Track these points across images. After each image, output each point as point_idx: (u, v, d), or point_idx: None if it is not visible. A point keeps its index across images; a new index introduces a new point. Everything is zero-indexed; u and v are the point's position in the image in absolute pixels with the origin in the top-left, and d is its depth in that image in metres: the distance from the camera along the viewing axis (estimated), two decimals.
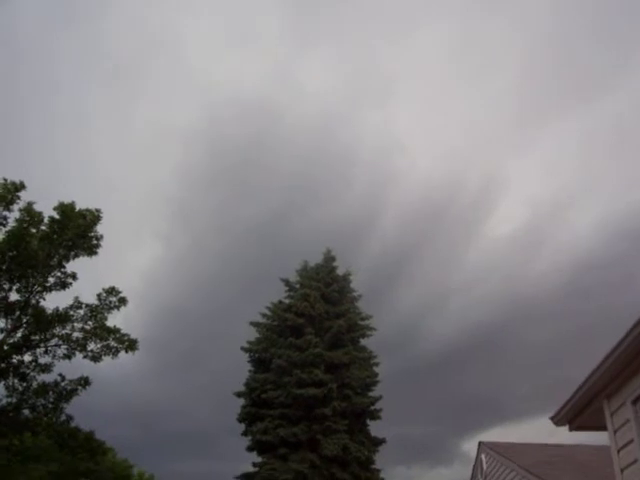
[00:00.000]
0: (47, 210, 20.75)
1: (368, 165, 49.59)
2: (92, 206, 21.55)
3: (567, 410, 9.36)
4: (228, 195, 48.75)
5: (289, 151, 47.70)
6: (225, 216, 48.55)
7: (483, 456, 20.87)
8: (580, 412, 9.27)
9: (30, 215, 20.17)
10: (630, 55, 42.20)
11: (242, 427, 29.62)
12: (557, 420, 9.74)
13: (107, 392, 30.80)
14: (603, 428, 8.95)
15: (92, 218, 21.31)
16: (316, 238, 39.46)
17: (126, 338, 21.61)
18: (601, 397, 8.64)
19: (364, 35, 48.95)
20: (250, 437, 28.78)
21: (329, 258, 33.09)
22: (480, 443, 21.44)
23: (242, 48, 51.51)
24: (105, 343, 21.36)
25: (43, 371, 20.70)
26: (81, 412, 21.73)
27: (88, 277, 24.94)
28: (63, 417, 20.56)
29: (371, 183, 48.98)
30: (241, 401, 30.04)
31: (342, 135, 48.73)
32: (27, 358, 20.55)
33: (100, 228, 21.59)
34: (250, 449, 28.94)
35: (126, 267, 48.39)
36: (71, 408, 20.83)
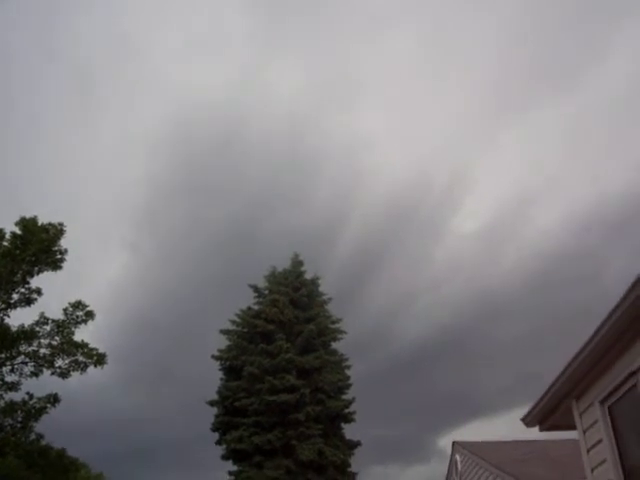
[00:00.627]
0: (8, 226, 20.46)
1: (336, 167, 49.73)
2: (56, 218, 21.34)
3: (537, 411, 9.43)
4: (195, 200, 48.45)
5: (257, 155, 47.62)
6: (193, 222, 48.24)
7: (457, 456, 20.99)
8: (550, 413, 9.35)
9: None
10: (600, 48, 42.79)
11: (216, 436, 29.45)
12: (528, 421, 9.81)
13: (78, 407, 30.45)
14: (574, 427, 9.03)
15: (55, 232, 21.04)
16: (285, 242, 39.35)
17: (94, 352, 21.40)
18: (570, 398, 8.72)
19: (332, 36, 49.08)
20: (225, 446, 28.60)
21: (297, 263, 33.06)
22: (454, 443, 21.55)
23: (209, 52, 51.39)
24: (73, 358, 21.12)
25: (10, 389, 20.38)
26: (53, 429, 21.43)
27: (55, 291, 24.62)
28: (33, 436, 20.25)
29: (339, 185, 49.06)
30: (214, 410, 29.87)
31: (310, 137, 48.77)
32: None
33: (65, 241, 21.34)
34: (225, 458, 28.76)
35: (93, 278, 47.79)
36: (42, 426, 20.57)
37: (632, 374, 7.00)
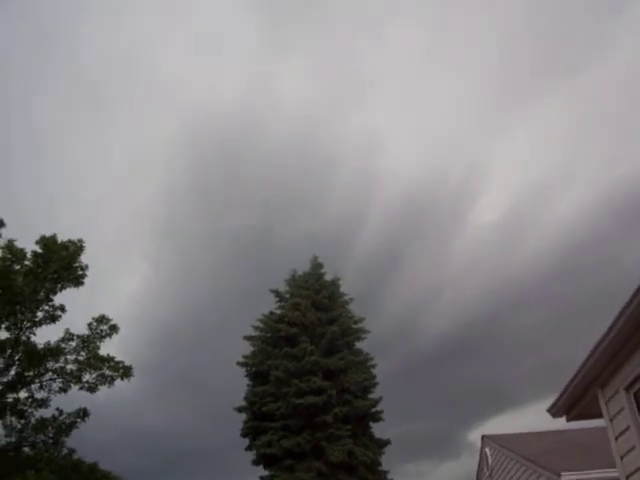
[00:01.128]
0: (29, 245, 20.71)
1: (351, 167, 49.68)
2: (75, 235, 21.55)
3: (562, 402, 9.41)
4: (213, 209, 48.65)
5: (271, 160, 47.62)
6: (211, 231, 48.40)
7: (487, 449, 20.95)
8: (576, 403, 9.32)
9: (12, 252, 20.11)
10: (606, 33, 42.44)
11: (246, 442, 29.57)
12: (554, 412, 9.79)
13: (108, 421, 30.67)
14: (600, 416, 9.00)
15: (75, 249, 21.25)
16: (304, 245, 39.44)
17: (121, 365, 21.56)
18: (595, 386, 8.69)
19: (340, 37, 49.05)
20: (255, 451, 28.70)
21: (316, 265, 33.13)
22: (483, 437, 21.52)
23: (218, 59, 51.50)
24: (100, 372, 21.29)
25: (40, 406, 20.61)
26: (83, 444, 21.63)
27: (78, 307, 24.85)
28: (65, 451, 20.46)
29: (355, 185, 49.02)
30: (242, 416, 30.00)
31: (323, 139, 48.74)
32: (23, 395, 20.50)
33: (85, 257, 21.56)
34: (256, 463, 28.85)
35: (116, 292, 48.07)
36: (73, 441, 20.78)
37: None
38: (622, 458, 8.24)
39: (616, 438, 8.39)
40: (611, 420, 8.49)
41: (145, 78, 50.37)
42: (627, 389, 7.87)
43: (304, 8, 47.48)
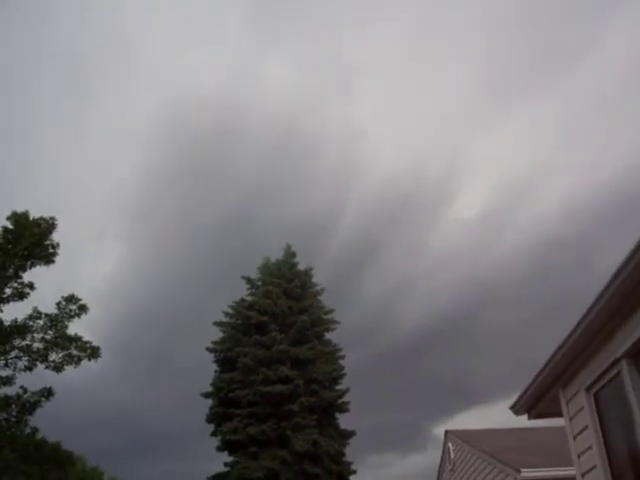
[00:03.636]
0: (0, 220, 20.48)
1: (333, 156, 49.65)
2: (51, 212, 21.36)
3: (525, 400, 9.53)
4: (191, 192, 48.33)
5: (253, 145, 47.45)
6: (188, 213, 48.16)
7: (450, 444, 21.20)
8: (537, 401, 9.45)
9: None
10: (595, 33, 42.80)
11: (211, 427, 29.59)
12: (516, 410, 9.91)
13: (75, 400, 30.51)
14: (561, 415, 9.14)
15: (47, 226, 21.06)
16: (283, 231, 39.37)
17: (88, 346, 21.46)
18: (557, 385, 8.81)
19: (326, 26, 48.75)
20: (220, 437, 28.74)
21: (290, 254, 33.19)
22: (446, 432, 21.76)
23: (203, 42, 50.95)
24: (67, 352, 21.16)
25: (4, 384, 20.43)
26: (49, 422, 21.51)
27: (50, 285, 24.64)
28: (28, 430, 20.33)
29: (336, 174, 49.04)
30: (209, 402, 30.01)
31: (307, 128, 48.62)
32: None
33: (58, 235, 21.39)
34: (220, 449, 28.92)
35: (90, 271, 47.75)
36: (38, 419, 20.68)
37: (616, 361, 7.09)
38: (579, 457, 8.38)
39: (574, 437, 8.53)
40: (570, 419, 8.63)
41: (128, 58, 49.72)
42: (587, 389, 8.00)
43: None
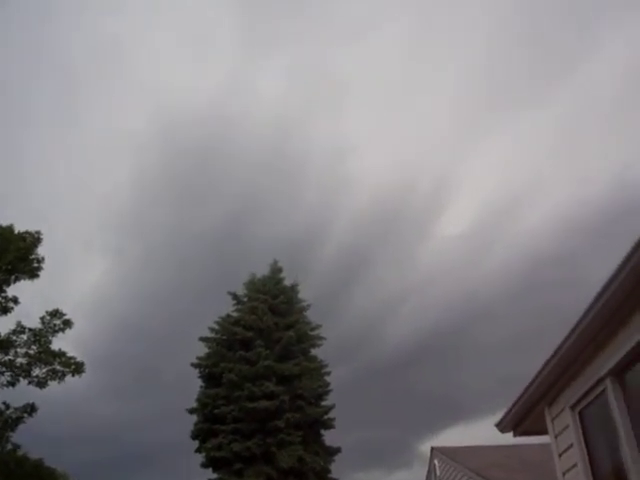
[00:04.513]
0: None
1: (321, 171, 49.70)
2: (37, 224, 21.29)
3: (510, 417, 9.58)
4: (180, 204, 48.22)
5: (242, 158, 47.35)
6: (176, 226, 48.00)
7: (436, 461, 21.16)
8: (523, 419, 9.50)
9: None
10: (587, 49, 43.37)
11: (196, 444, 29.38)
12: (502, 427, 9.96)
13: (58, 413, 30.18)
14: (547, 432, 9.18)
15: (32, 240, 20.96)
16: (270, 246, 39.33)
17: (72, 361, 21.27)
18: (542, 403, 8.87)
19: (317, 40, 48.92)
20: (204, 453, 28.52)
21: (276, 269, 33.16)
22: (432, 448, 21.72)
23: (194, 54, 51.07)
24: (50, 368, 20.96)
25: None
26: (32, 439, 21.26)
27: (36, 298, 24.47)
28: (9, 446, 20.09)
29: (324, 189, 49.08)
30: (194, 418, 29.82)
31: (295, 142, 48.76)
32: None
33: (44, 247, 21.29)
34: (205, 465, 28.66)
35: (76, 284, 47.45)
36: (21, 435, 20.43)
37: (601, 380, 7.15)
38: (564, 474, 8.43)
39: (560, 455, 8.57)
40: (556, 437, 8.68)
41: (121, 65, 49.74)
42: (572, 407, 8.06)
43: (284, 8, 47.53)
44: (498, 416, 10.03)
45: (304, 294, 33.11)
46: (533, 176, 48.50)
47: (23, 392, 20.84)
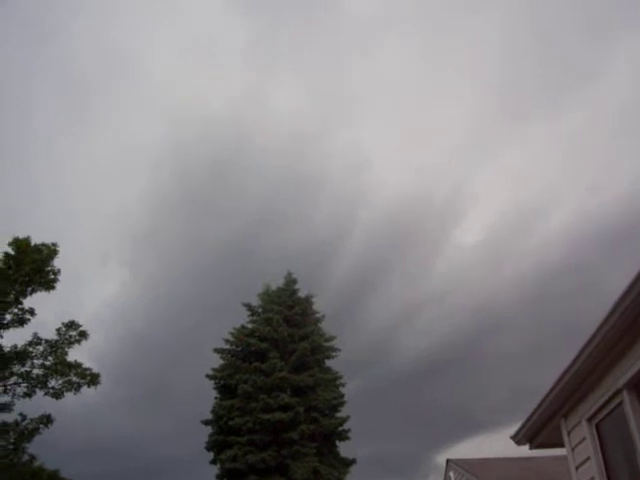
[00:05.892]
0: (1, 246, 20.53)
1: (337, 183, 49.89)
2: (53, 239, 21.45)
3: (526, 430, 9.51)
4: (195, 218, 48.53)
5: (258, 171, 47.68)
6: (192, 239, 48.21)
7: (452, 473, 21.01)
8: (539, 431, 9.42)
9: None
10: (601, 60, 43.36)
11: (211, 455, 29.34)
12: (518, 440, 9.89)
13: (75, 427, 30.32)
14: (563, 445, 9.11)
15: (48, 252, 21.11)
16: (286, 258, 39.44)
17: (88, 373, 21.37)
18: (558, 416, 8.80)
19: (332, 51, 49.38)
20: (219, 465, 28.47)
21: (290, 281, 33.13)
22: (448, 460, 21.59)
23: (209, 67, 51.54)
24: (66, 379, 21.07)
25: (2, 410, 20.31)
26: (49, 449, 21.36)
27: (53, 311, 24.63)
28: (25, 457, 20.18)
29: (340, 201, 49.28)
30: (208, 429, 29.79)
31: (311, 154, 48.98)
32: None
33: (61, 260, 21.44)
34: (219, 477, 28.59)
35: (92, 296, 47.78)
36: (38, 446, 20.52)
37: (618, 392, 7.09)
38: None
39: (577, 468, 8.49)
40: (572, 450, 8.59)
41: (136, 81, 50.28)
42: (589, 420, 7.99)
43: (299, 21, 47.88)
44: (514, 428, 9.96)
45: (320, 306, 33.14)
46: (547, 186, 48.42)
47: (39, 403, 20.97)
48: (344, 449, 30.25)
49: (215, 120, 46.27)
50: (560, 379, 8.04)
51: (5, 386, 20.39)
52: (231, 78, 51.44)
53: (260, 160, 47.68)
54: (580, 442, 8.26)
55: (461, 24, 47.00)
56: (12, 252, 20.53)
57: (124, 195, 50.67)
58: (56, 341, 21.25)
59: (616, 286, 6.23)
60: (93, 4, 45.57)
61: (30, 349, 20.85)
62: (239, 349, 31.03)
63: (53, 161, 48.71)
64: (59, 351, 21.19)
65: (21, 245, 20.61)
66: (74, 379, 21.11)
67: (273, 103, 48.27)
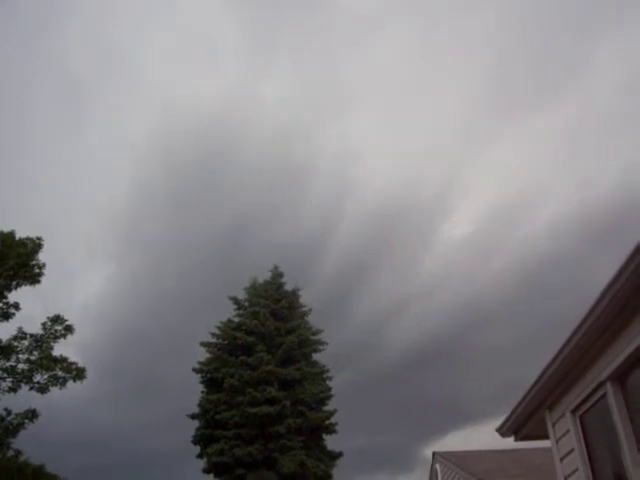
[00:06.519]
0: None
1: (326, 176, 49.72)
2: (40, 231, 21.35)
3: (511, 422, 9.56)
4: (181, 212, 48.25)
5: (247, 164, 47.45)
6: (178, 233, 47.97)
7: (438, 466, 21.09)
8: (524, 423, 9.48)
9: None
10: (590, 54, 43.50)
11: (197, 449, 29.33)
12: (503, 432, 9.94)
13: (63, 420, 30.19)
14: (547, 437, 9.16)
15: (33, 246, 20.96)
16: (274, 253, 39.29)
17: (74, 367, 21.26)
18: (543, 408, 8.85)
19: (320, 45, 49.13)
20: (206, 459, 28.47)
21: (277, 274, 33.12)
22: (434, 453, 21.66)
23: (197, 62, 51.28)
24: (52, 373, 20.95)
25: None
26: (36, 443, 21.25)
27: (39, 305, 24.48)
28: (10, 452, 20.07)
29: (329, 194, 49.12)
30: (196, 423, 29.77)
31: (300, 147, 48.82)
32: None
33: (47, 253, 21.32)
34: (206, 471, 28.60)
35: (79, 290, 47.53)
36: (25, 440, 20.41)
37: (602, 384, 7.13)
38: (566, 479, 8.40)
39: (561, 459, 8.54)
40: (557, 441, 8.65)
41: (122, 76, 49.89)
42: (573, 412, 8.04)
43: (291, 13, 47.68)
44: (500, 420, 10.02)
45: (308, 299, 33.16)
46: (536, 179, 48.57)
47: (25, 398, 20.85)
48: (331, 442, 30.39)
49: (203, 113, 46.08)
50: (544, 371, 8.09)
51: None
52: (218, 72, 51.22)
53: (248, 152, 47.55)
54: (564, 434, 8.32)
55: (452, 20, 47.04)
56: None
57: (111, 188, 50.36)
58: (41, 335, 21.12)
59: (604, 280, 6.26)
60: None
61: (15, 344, 20.73)
62: (225, 343, 31.00)
63: (40, 156, 48.35)
64: (44, 345, 21.07)
65: (5, 239, 20.46)
66: (60, 374, 21.00)
67: (262, 94, 48.15)
